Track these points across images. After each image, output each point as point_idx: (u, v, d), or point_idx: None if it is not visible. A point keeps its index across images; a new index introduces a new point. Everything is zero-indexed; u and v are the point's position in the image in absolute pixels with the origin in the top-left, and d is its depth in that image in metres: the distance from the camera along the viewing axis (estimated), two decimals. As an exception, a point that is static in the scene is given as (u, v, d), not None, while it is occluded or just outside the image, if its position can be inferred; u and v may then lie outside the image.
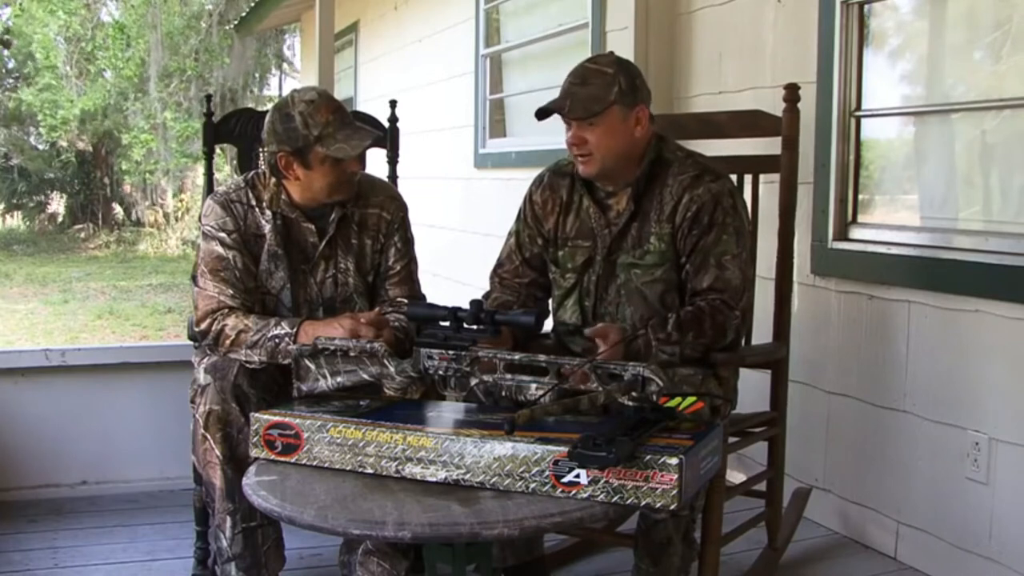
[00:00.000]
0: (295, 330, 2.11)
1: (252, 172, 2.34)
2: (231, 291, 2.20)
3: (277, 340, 2.12)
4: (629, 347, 2.10)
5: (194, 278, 2.28)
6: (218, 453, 2.09)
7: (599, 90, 2.17)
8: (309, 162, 2.16)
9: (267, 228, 2.25)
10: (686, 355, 2.14)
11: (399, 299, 2.33)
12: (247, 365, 2.15)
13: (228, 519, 2.11)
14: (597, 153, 2.20)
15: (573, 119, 2.19)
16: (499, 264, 2.44)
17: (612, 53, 2.31)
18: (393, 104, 2.78)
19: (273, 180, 2.25)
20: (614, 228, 2.28)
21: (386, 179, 2.76)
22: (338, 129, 2.14)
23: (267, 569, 2.15)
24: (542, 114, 2.23)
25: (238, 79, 15.96)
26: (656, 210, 2.25)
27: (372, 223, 2.33)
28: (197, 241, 2.28)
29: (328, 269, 2.29)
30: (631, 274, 2.26)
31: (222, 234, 2.22)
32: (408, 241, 2.39)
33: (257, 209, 2.26)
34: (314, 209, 2.26)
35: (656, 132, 2.29)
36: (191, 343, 2.43)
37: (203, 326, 2.20)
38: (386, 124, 2.77)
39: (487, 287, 2.45)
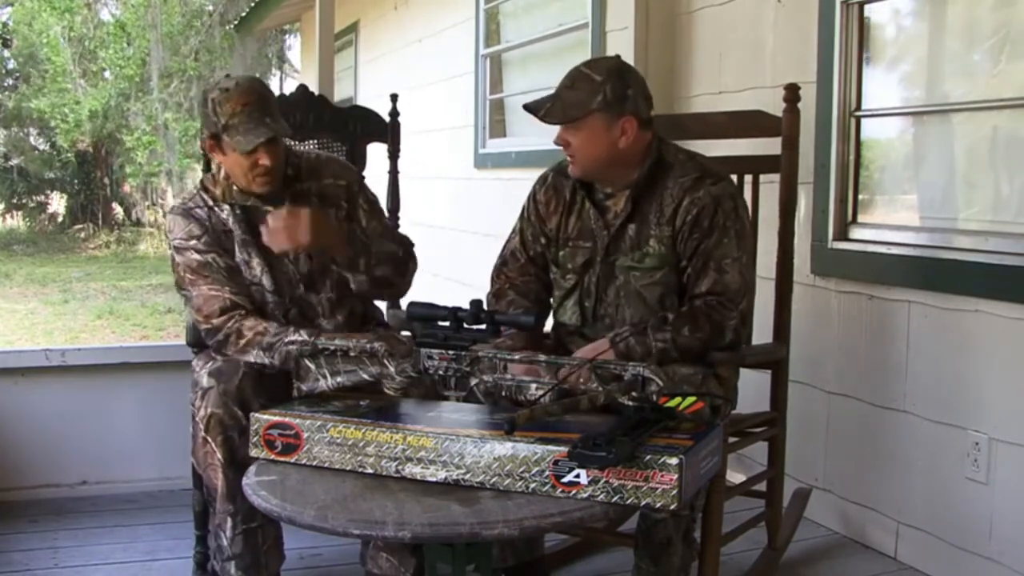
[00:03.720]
0: (312, 339, 2.09)
1: (201, 177, 2.37)
2: (229, 288, 2.20)
3: (293, 346, 2.10)
4: (615, 348, 2.11)
5: (180, 289, 2.27)
6: (219, 456, 2.09)
7: (583, 95, 2.16)
8: (223, 148, 2.20)
9: (231, 221, 2.27)
10: (681, 345, 2.14)
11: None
12: (254, 366, 2.14)
13: (229, 520, 2.11)
14: (578, 156, 2.22)
15: (548, 123, 2.20)
16: (503, 262, 2.44)
17: (614, 58, 2.30)
18: (394, 98, 2.78)
19: (222, 174, 2.27)
20: (611, 229, 2.28)
21: (387, 175, 2.77)
22: (242, 122, 2.15)
23: (267, 568, 2.15)
24: (527, 110, 2.23)
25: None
26: (656, 212, 2.24)
27: (331, 193, 2.35)
28: (172, 255, 2.28)
29: None
30: (630, 276, 2.26)
31: (192, 241, 2.23)
32: (372, 200, 2.42)
33: (216, 208, 2.28)
34: (268, 196, 2.26)
35: (656, 134, 2.29)
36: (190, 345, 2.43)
37: (215, 322, 2.18)
38: (387, 119, 2.78)
39: (490, 285, 2.44)
